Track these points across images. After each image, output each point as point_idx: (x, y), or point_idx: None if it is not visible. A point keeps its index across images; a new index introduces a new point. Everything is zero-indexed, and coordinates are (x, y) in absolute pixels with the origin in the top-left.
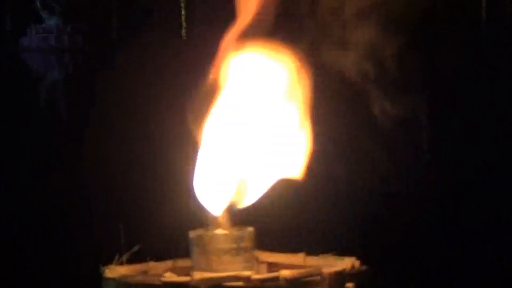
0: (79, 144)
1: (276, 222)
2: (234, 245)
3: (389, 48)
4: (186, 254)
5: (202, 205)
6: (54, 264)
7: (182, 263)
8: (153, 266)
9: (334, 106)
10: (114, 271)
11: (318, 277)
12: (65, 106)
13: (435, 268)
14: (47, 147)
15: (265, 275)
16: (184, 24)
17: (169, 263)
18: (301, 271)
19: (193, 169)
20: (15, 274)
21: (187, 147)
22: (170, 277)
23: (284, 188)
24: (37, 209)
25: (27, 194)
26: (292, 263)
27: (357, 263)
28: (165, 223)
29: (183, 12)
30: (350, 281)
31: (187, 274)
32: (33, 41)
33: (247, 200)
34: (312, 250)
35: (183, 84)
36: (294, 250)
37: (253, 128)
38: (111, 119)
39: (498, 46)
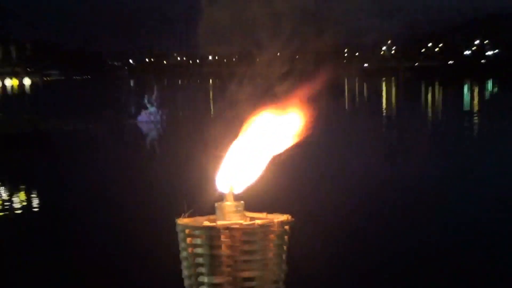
0: None
1: (252, 197)
2: (235, 209)
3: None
4: (213, 213)
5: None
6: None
7: (212, 218)
8: (199, 219)
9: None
10: (182, 220)
11: (273, 223)
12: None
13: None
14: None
15: (249, 222)
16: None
17: (206, 218)
18: (265, 220)
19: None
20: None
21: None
22: (207, 223)
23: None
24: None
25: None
26: (260, 218)
27: (289, 217)
28: (204, 200)
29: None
30: (287, 225)
31: (214, 222)
32: (143, 117)
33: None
34: (270, 211)
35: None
36: (260, 211)
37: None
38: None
39: None
